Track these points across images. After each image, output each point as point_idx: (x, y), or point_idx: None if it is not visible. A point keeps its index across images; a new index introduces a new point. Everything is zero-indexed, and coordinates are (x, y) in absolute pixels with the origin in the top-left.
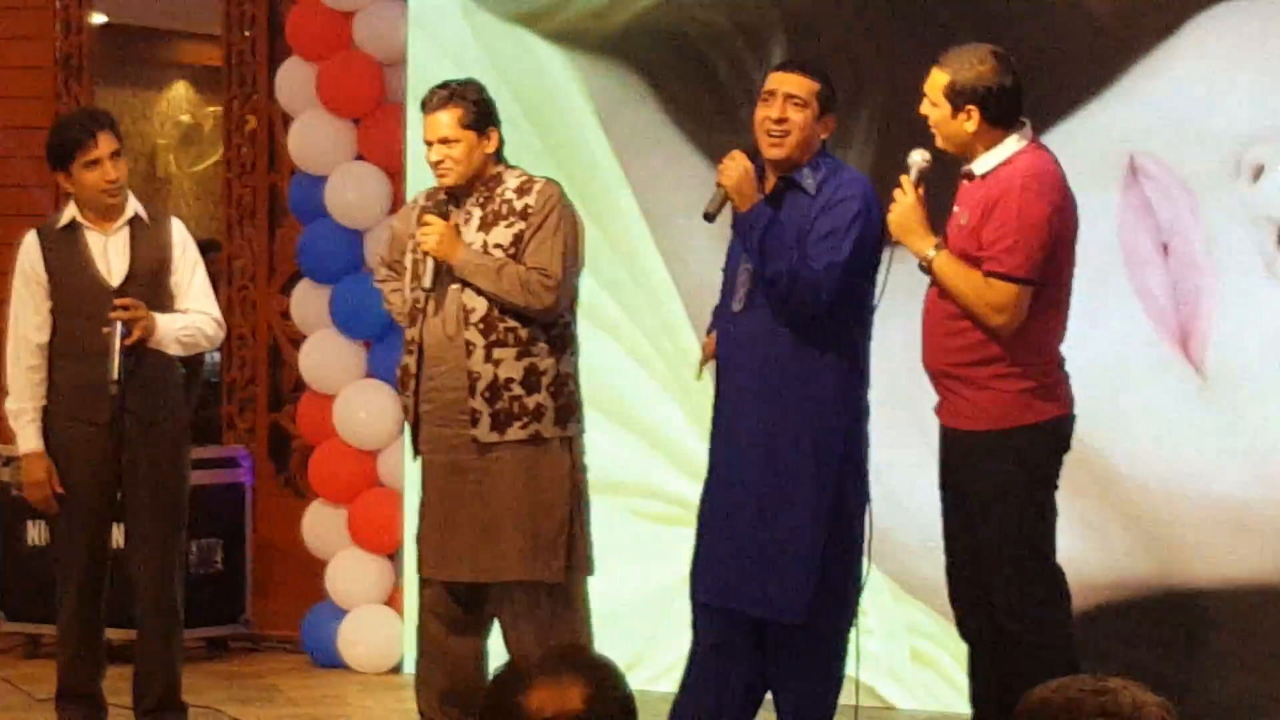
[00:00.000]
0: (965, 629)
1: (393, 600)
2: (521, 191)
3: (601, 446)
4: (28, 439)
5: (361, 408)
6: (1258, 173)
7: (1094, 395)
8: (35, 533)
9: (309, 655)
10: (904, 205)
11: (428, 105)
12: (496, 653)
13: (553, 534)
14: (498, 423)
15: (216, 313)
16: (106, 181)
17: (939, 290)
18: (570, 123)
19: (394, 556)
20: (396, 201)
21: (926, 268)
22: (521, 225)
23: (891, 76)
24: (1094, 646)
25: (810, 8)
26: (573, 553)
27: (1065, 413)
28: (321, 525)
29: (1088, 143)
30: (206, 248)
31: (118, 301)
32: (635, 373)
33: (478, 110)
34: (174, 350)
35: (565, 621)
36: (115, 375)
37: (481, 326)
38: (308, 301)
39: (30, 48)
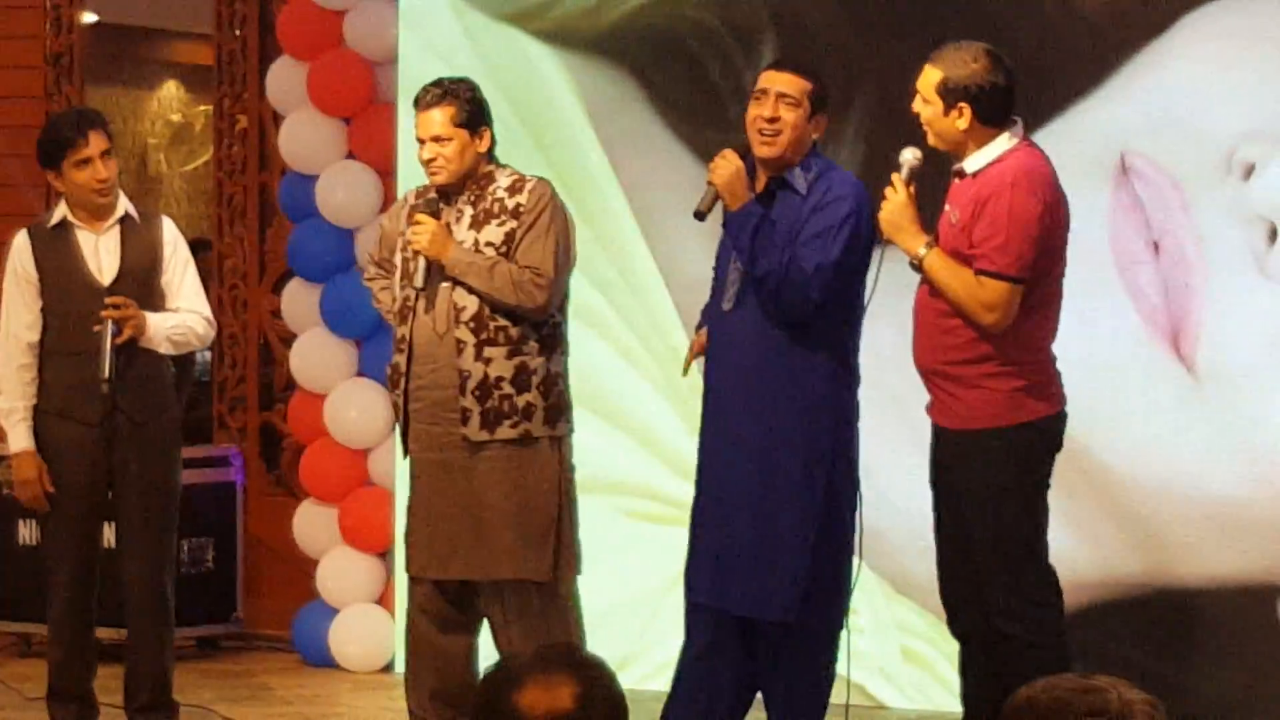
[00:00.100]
0: (956, 628)
1: (384, 599)
2: (513, 190)
3: (592, 445)
4: (19, 438)
5: (352, 407)
6: (1248, 171)
7: (1086, 394)
8: (26, 532)
9: (300, 654)
10: (895, 203)
11: (420, 102)
12: (487, 651)
13: (541, 533)
14: (488, 421)
15: (207, 312)
16: (97, 181)
17: (930, 289)
18: (561, 122)
19: (385, 555)
20: (387, 201)
21: (917, 266)
22: (513, 224)
23: (882, 75)
24: (1085, 645)
25: (801, 6)
26: (561, 552)
27: (1057, 411)
28: (312, 524)
29: (1079, 141)
30: (197, 247)
31: (109, 300)
32: (625, 371)
33: (471, 109)
34: (165, 349)
35: (555, 620)
36: (106, 374)
37: (472, 325)
38: (298, 300)
39: (21, 47)
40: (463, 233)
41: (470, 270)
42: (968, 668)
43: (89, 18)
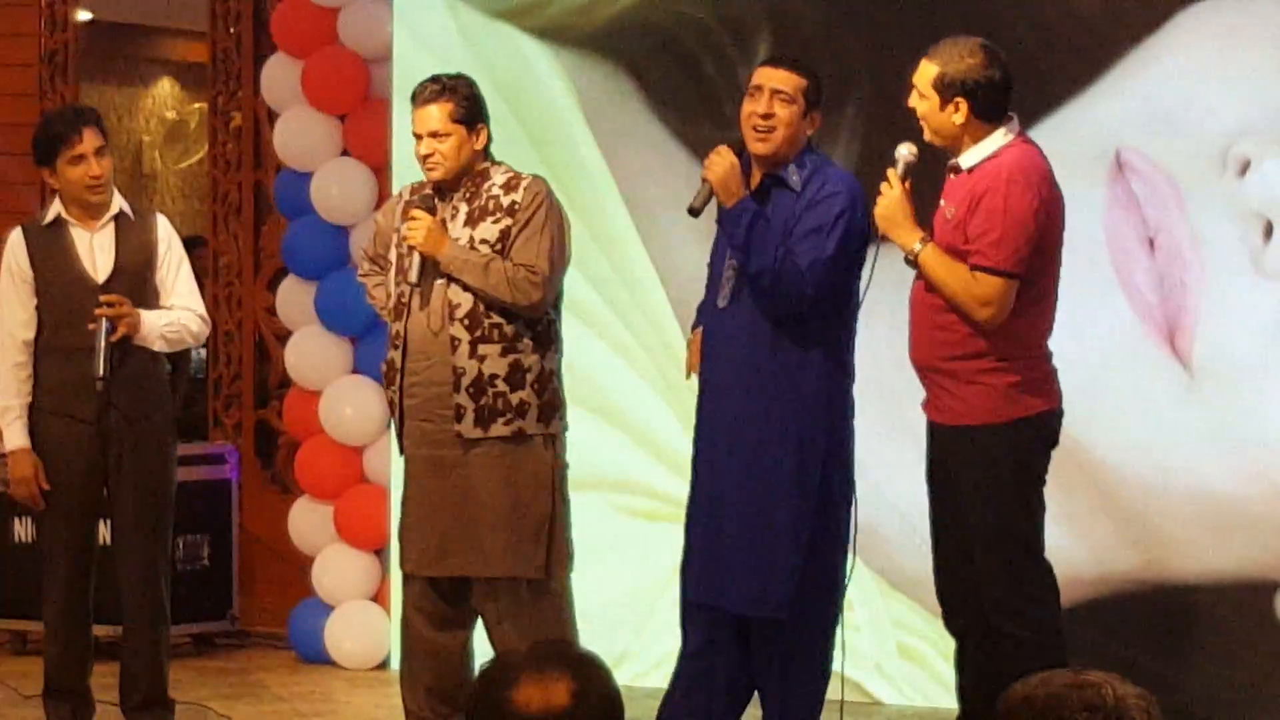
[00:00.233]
0: (952, 624)
1: (379, 596)
2: (508, 188)
3: (587, 442)
4: (14, 436)
5: (347, 403)
6: (1244, 167)
7: (1081, 390)
8: (22, 529)
9: (295, 651)
10: (890, 199)
11: (418, 98)
12: (484, 648)
13: (534, 530)
14: (482, 418)
15: (201, 309)
16: (90, 177)
17: (926, 285)
18: (555, 118)
19: (380, 552)
20: (382, 197)
21: (912, 261)
22: (508, 221)
23: (877, 71)
24: (1080, 641)
25: (795, 2)
26: (554, 549)
27: (1053, 407)
28: (308, 521)
29: (1074, 137)
30: (192, 244)
31: (103, 298)
32: (620, 368)
33: (469, 105)
34: (159, 347)
35: (548, 617)
36: (101, 372)
37: (467, 322)
38: (293, 297)
39: (15, 44)
40: (457, 230)
41: (465, 267)
42: (963, 664)
43: (83, 15)
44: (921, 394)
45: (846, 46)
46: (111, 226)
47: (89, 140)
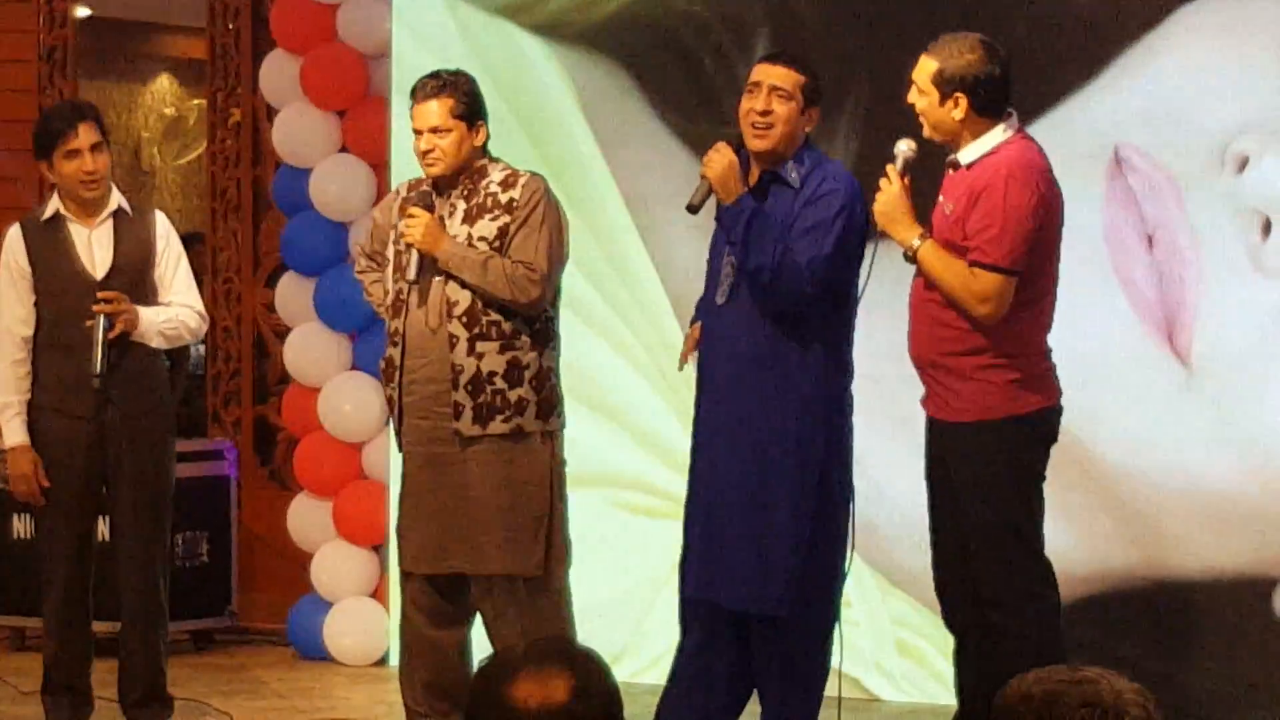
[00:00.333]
0: (951, 621)
1: (378, 593)
2: (506, 185)
3: (586, 439)
4: (13, 432)
5: (346, 400)
6: (1242, 164)
7: (1080, 387)
8: (21, 526)
9: (294, 648)
10: (889, 195)
11: (418, 94)
12: (480, 645)
13: (531, 527)
14: (480, 416)
15: (199, 306)
16: (84, 172)
17: (925, 281)
18: (554, 115)
19: (379, 549)
20: (380, 194)
21: (911, 257)
22: (506, 219)
23: (876, 68)
24: (1079, 638)
25: None
26: (551, 547)
27: (1052, 404)
28: (307, 518)
29: (1073, 134)
30: (190, 240)
31: (101, 295)
32: (619, 365)
33: (469, 101)
34: (157, 343)
35: (547, 614)
36: (99, 369)
37: (465, 319)
38: (292, 294)
39: (14, 41)
40: (455, 227)
41: (464, 264)
42: (962, 661)
43: (82, 12)
44: (920, 390)
45: (846, 44)
46: (110, 223)
47: (85, 135)
